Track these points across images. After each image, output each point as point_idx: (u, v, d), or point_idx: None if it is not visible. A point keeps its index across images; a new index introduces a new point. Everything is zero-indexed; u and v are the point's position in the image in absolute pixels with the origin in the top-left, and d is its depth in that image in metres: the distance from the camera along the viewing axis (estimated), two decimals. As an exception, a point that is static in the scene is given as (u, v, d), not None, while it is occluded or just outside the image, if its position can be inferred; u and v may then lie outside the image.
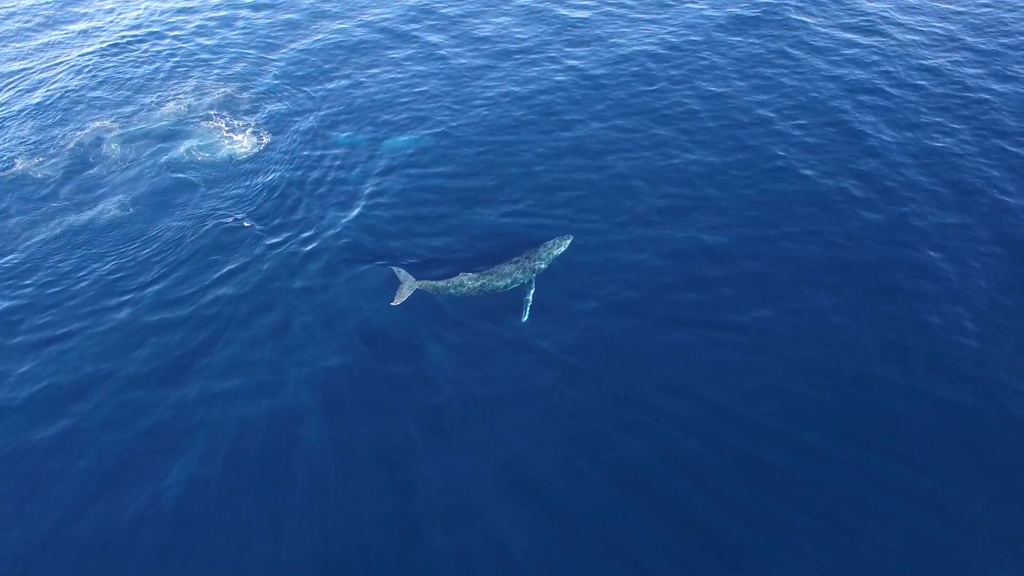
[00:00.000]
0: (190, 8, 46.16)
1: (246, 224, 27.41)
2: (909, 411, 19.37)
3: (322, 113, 34.24)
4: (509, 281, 23.95)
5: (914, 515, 17.19)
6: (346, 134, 32.46)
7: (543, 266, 24.31)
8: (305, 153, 31.58)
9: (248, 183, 29.98)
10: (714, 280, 23.58)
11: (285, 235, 26.82)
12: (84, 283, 25.29)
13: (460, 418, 19.95)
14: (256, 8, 45.21)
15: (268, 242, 26.50)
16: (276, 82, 37.13)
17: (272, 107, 35.14)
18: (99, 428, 20.22)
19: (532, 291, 23.59)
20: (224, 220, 27.72)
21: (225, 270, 25.27)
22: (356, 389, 20.93)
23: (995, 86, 32.41)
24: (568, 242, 24.94)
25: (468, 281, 23.93)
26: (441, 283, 23.92)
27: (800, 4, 40.68)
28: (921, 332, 21.33)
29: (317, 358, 21.90)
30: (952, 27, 37.78)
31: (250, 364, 21.86)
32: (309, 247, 26.17)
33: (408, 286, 23.88)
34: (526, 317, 22.79)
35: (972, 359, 20.46)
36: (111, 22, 45.40)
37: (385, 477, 18.67)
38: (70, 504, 18.49)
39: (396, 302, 23.50)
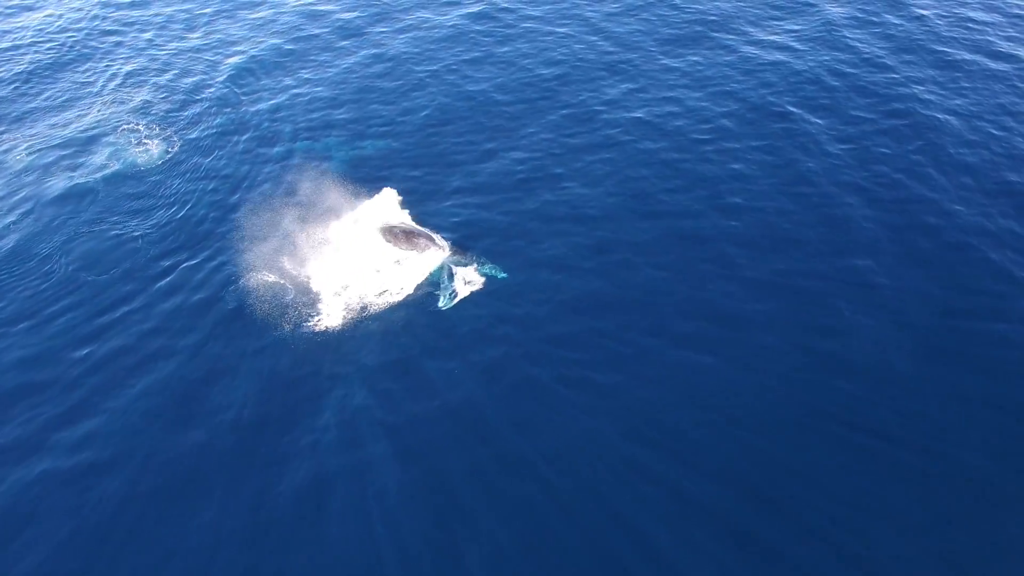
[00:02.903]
0: (121, 13, 44.83)
1: (135, 237, 26.39)
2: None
3: (241, 120, 33.18)
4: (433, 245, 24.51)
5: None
6: (280, 145, 31.55)
7: (463, 266, 23.94)
8: (211, 161, 30.54)
9: (148, 192, 28.97)
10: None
11: (173, 248, 25.82)
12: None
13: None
14: (187, 19, 43.62)
15: (153, 257, 25.51)
16: (199, 91, 35.96)
17: (189, 115, 34.05)
18: None
19: (453, 281, 23.35)
20: (114, 231, 26.80)
21: (103, 290, 24.29)
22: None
23: None
24: (499, 273, 23.76)
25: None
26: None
27: None
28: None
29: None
30: None
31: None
32: (196, 261, 25.24)
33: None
34: (451, 303, 22.67)
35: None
36: (29, 27, 44.17)
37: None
38: None
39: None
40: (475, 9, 40.01)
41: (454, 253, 24.52)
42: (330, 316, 22.62)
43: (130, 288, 24.24)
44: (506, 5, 40.03)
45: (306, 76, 36.01)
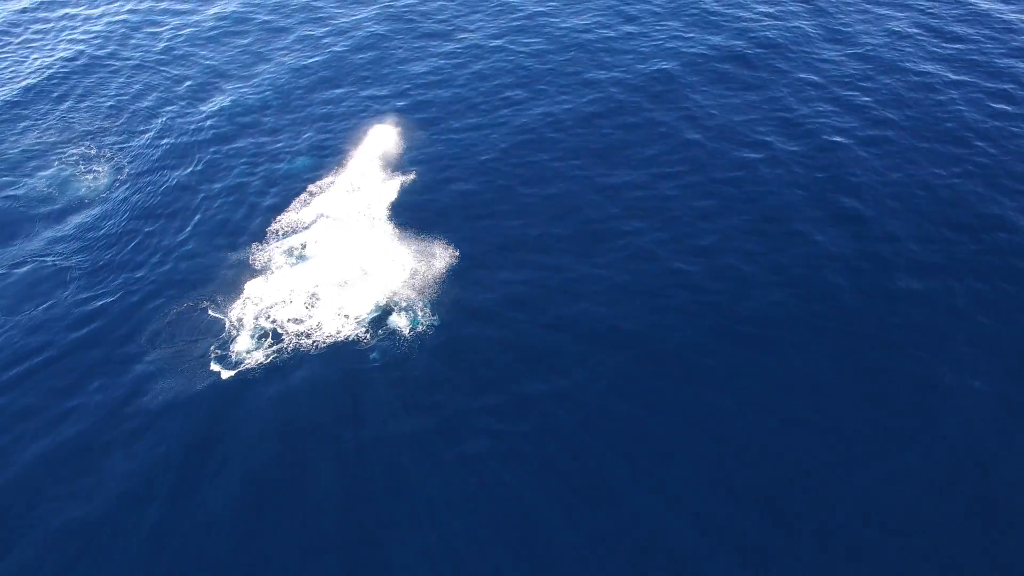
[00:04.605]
0: (73, 29, 44.22)
1: (66, 279, 25.88)
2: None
3: (202, 146, 32.70)
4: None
5: None
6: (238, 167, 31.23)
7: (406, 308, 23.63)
8: (162, 190, 30.11)
9: (90, 224, 28.49)
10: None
11: (104, 289, 25.37)
12: None
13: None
14: (140, 40, 42.79)
15: (80, 300, 25.00)
16: (158, 114, 35.44)
17: (145, 139, 33.55)
18: None
19: (390, 321, 23.04)
20: (44, 268, 26.30)
21: (18, 336, 23.62)
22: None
23: None
24: (430, 319, 23.45)
25: None
26: None
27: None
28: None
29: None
30: None
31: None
32: (126, 303, 24.82)
33: None
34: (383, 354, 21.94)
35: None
36: None
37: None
38: None
39: None
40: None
41: (402, 288, 24.29)
42: (255, 361, 22.27)
43: (47, 336, 23.66)
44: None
45: (272, 97, 35.70)
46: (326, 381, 21.58)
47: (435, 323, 23.25)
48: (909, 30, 37.60)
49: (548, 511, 18.38)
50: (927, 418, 20.35)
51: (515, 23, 39.94)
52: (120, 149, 33.05)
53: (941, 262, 24.70)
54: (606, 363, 21.80)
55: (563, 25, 39.65)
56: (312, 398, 21.23)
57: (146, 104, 36.25)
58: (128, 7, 45.10)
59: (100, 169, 31.90)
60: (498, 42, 38.43)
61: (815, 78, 34.27)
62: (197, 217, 28.59)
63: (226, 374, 21.90)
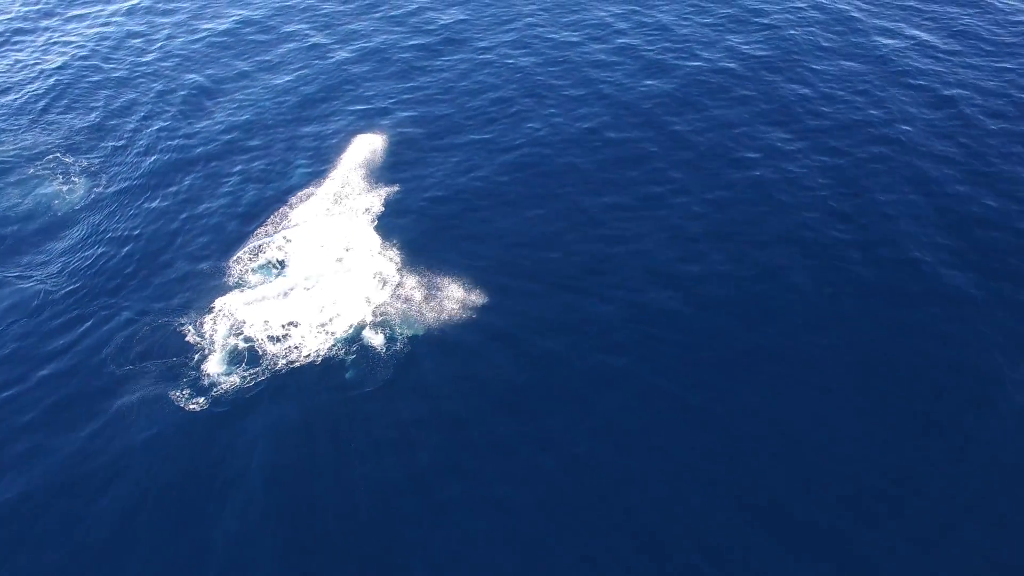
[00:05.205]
0: (68, 27, 42.98)
1: (35, 300, 24.58)
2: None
3: (188, 158, 31.53)
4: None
5: None
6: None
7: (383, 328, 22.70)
8: (143, 205, 29.00)
9: (66, 241, 27.33)
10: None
11: (74, 316, 24.07)
12: None
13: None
14: (138, 42, 41.86)
15: (50, 328, 23.67)
16: (143, 121, 34.28)
17: (126, 148, 32.42)
18: None
19: (363, 339, 22.10)
20: (10, 287, 25.08)
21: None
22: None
23: None
24: (408, 340, 22.42)
25: None
26: None
27: None
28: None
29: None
30: None
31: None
32: (100, 330, 23.58)
33: None
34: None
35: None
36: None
37: None
38: None
39: None
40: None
41: (379, 308, 23.27)
42: (231, 385, 21.27)
43: (14, 367, 22.39)
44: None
45: (257, 112, 34.40)
46: (299, 415, 20.50)
47: (415, 345, 22.21)
48: (909, 41, 36.85)
49: (534, 563, 17.14)
50: (951, 454, 19.30)
51: (507, 37, 38.96)
52: (101, 163, 31.85)
53: (950, 288, 23.68)
54: (593, 400, 20.65)
55: (555, 39, 38.69)
56: (285, 435, 20.13)
57: (129, 118, 34.98)
58: (117, 18, 43.79)
59: (77, 179, 30.72)
60: (489, 56, 37.43)
61: (814, 92, 33.38)
62: (176, 236, 27.55)
63: (200, 401, 20.88)
